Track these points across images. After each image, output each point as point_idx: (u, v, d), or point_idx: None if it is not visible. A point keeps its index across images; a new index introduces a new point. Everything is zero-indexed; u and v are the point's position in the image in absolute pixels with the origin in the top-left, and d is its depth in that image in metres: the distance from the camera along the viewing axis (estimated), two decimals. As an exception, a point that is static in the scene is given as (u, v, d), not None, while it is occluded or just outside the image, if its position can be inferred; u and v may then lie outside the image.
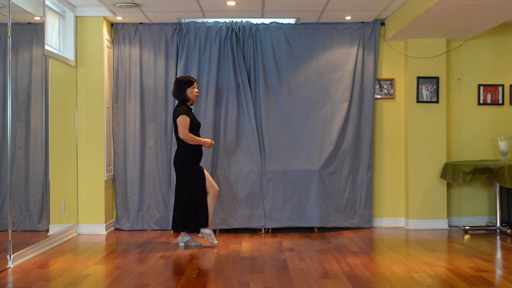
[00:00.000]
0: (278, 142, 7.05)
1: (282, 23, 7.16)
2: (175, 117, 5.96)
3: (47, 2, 6.04)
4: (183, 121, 5.89)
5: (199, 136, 6.09)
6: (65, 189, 6.59)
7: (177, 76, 6.87)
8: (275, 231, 7.01)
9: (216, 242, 6.07)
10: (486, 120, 7.34)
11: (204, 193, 6.03)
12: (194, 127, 6.01)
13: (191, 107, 6.18)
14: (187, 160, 6.00)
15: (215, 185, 6.18)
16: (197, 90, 6.17)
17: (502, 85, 7.33)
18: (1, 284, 4.57)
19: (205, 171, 6.11)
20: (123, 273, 4.89)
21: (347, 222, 7.08)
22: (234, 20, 7.08)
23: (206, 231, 6.04)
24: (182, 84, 6.05)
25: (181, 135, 5.89)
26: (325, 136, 7.06)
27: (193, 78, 6.14)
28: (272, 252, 5.76)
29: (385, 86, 7.29)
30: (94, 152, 6.82)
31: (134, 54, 7.16)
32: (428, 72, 7.11)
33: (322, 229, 7.01)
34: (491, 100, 7.34)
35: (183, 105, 6.02)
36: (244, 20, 7.11)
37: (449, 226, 7.17)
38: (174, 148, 6.82)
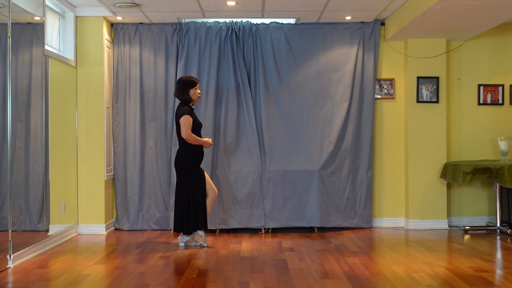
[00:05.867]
0: (278, 142, 7.05)
1: (282, 23, 7.16)
2: (177, 116, 5.96)
3: (47, 2, 6.05)
4: (186, 121, 5.89)
5: (201, 137, 6.09)
6: (65, 189, 6.59)
7: (179, 76, 6.87)
8: (275, 231, 7.01)
9: (206, 244, 6.06)
10: (486, 120, 7.35)
11: (203, 195, 6.03)
12: (196, 128, 6.02)
13: (193, 107, 6.18)
14: (188, 161, 6.00)
15: (215, 188, 6.18)
16: (199, 91, 6.17)
17: (502, 85, 7.33)
18: (1, 284, 4.57)
19: (205, 173, 6.12)
20: (123, 273, 4.89)
21: (347, 222, 7.08)
22: (234, 20, 7.08)
23: (198, 232, 6.04)
24: (185, 85, 6.05)
25: (183, 135, 5.89)
26: (325, 136, 7.06)
27: (196, 79, 6.14)
28: (272, 252, 5.76)
29: (385, 86, 7.30)
30: (94, 152, 6.82)
31: (134, 54, 7.16)
32: (428, 72, 7.11)
33: (322, 229, 7.01)
34: (491, 100, 7.34)
35: (186, 105, 6.02)
36: (244, 20, 7.11)
37: (449, 226, 7.17)
38: (174, 148, 6.84)
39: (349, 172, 7.09)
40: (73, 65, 6.75)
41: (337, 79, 7.13)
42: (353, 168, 7.11)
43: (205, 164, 6.42)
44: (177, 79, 6.29)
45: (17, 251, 5.25)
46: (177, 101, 6.76)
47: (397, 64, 7.30)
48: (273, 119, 7.08)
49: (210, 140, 6.12)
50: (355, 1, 6.27)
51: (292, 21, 7.15)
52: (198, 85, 6.12)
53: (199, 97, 6.22)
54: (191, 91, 6.05)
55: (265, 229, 6.97)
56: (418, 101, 7.11)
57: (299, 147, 7.06)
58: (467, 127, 7.35)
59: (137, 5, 6.34)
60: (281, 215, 6.96)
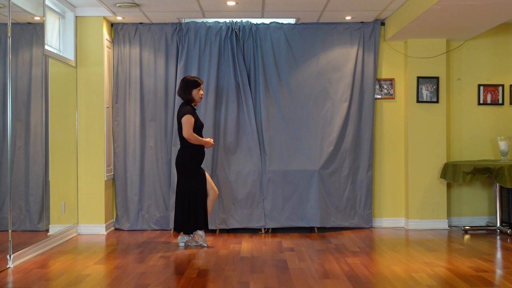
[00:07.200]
0: (278, 142, 7.05)
1: (282, 23, 7.16)
2: (179, 116, 5.96)
3: (47, 2, 6.05)
4: (188, 120, 5.89)
5: (202, 137, 6.09)
6: (65, 189, 6.59)
7: (179, 76, 6.90)
8: (275, 231, 7.01)
9: (206, 244, 6.06)
10: (486, 120, 7.35)
11: (204, 195, 6.03)
12: (198, 128, 6.02)
13: (195, 107, 6.18)
14: (189, 161, 6.00)
15: (215, 188, 6.19)
16: (202, 92, 6.17)
17: (502, 85, 7.33)
18: (1, 284, 4.57)
19: (206, 173, 6.12)
20: (123, 273, 4.89)
21: (347, 222, 7.08)
22: (234, 20, 7.08)
23: (198, 232, 6.04)
24: (189, 85, 6.05)
25: (185, 134, 5.89)
26: (325, 136, 7.06)
27: (200, 80, 6.13)
28: (272, 252, 5.76)
29: (385, 86, 7.30)
30: (94, 152, 6.82)
31: (134, 54, 7.16)
32: (428, 72, 7.11)
33: (322, 229, 7.01)
34: (491, 100, 7.34)
35: (188, 105, 6.03)
36: (244, 20, 7.11)
37: (449, 226, 7.17)
38: (174, 148, 6.84)
39: (349, 172, 7.09)
40: (73, 65, 6.75)
41: (337, 79, 7.13)
42: (353, 168, 7.11)
43: (205, 164, 6.41)
44: (182, 78, 6.27)
45: (17, 251, 5.25)
46: (178, 101, 6.78)
47: (397, 64, 7.30)
48: (273, 119, 7.08)
49: (212, 140, 6.13)
50: (355, 1, 6.27)
51: (292, 21, 7.15)
52: (201, 86, 6.12)
53: (202, 98, 6.22)
54: (194, 92, 6.05)
55: (265, 229, 6.97)
56: (418, 101, 7.11)
57: (299, 147, 7.06)
58: (467, 127, 7.35)
59: (137, 5, 6.34)
60: (281, 215, 6.96)
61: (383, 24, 7.21)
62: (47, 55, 5.97)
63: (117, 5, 6.33)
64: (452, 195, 7.35)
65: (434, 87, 7.10)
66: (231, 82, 7.04)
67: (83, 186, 6.83)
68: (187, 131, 5.89)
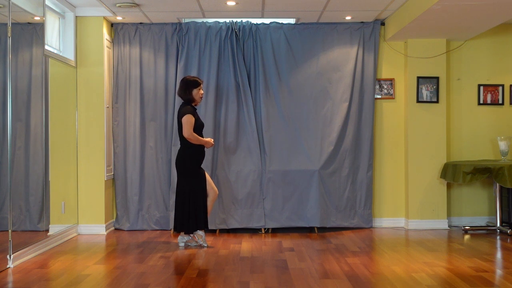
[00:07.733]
0: (278, 142, 7.05)
1: (282, 23, 7.16)
2: (180, 116, 5.97)
3: (47, 2, 6.05)
4: (188, 120, 5.89)
5: (202, 137, 6.09)
6: (65, 189, 6.59)
7: (179, 76, 6.90)
8: (275, 231, 7.01)
9: (206, 244, 6.06)
10: (486, 120, 7.35)
11: (204, 195, 6.03)
12: (198, 128, 6.03)
13: (195, 107, 6.17)
14: (189, 161, 6.00)
15: (215, 188, 6.19)
16: (202, 91, 6.17)
17: (502, 85, 7.33)
18: (1, 284, 4.57)
19: (206, 173, 6.12)
20: (123, 273, 4.89)
21: (347, 222, 7.08)
22: (234, 20, 7.08)
23: (198, 232, 6.04)
24: (189, 85, 6.05)
25: (185, 134, 5.89)
26: (325, 136, 7.06)
27: (200, 80, 6.13)
28: (272, 252, 5.76)
29: (385, 86, 7.30)
30: (94, 152, 6.82)
31: (134, 54, 7.16)
32: (428, 72, 7.11)
33: (322, 229, 7.01)
34: (491, 100, 7.34)
35: (188, 105, 6.03)
36: (244, 20, 7.11)
37: (449, 226, 7.17)
38: (174, 147, 6.84)
39: (349, 172, 7.09)
40: (73, 65, 6.75)
41: (337, 79, 7.13)
42: (353, 168, 7.11)
43: (205, 164, 6.41)
44: (182, 78, 6.28)
45: (17, 251, 5.25)
46: (178, 101, 6.78)
47: (397, 64, 7.30)
48: (273, 119, 7.08)
49: (212, 140, 6.13)
50: (355, 1, 6.27)
51: (292, 21, 7.15)
52: (201, 85, 6.12)
53: (202, 97, 6.23)
54: (194, 91, 6.05)
55: (265, 229, 6.97)
56: (418, 101, 7.11)
57: (299, 147, 7.06)
58: (467, 127, 7.35)
59: (137, 5, 6.34)
60: (281, 215, 6.96)
61: (383, 24, 7.21)
62: (47, 55, 5.97)
63: (117, 5, 6.33)
64: (452, 195, 7.35)
65: (434, 87, 7.10)
66: (231, 82, 7.04)
67: (83, 186, 6.83)
68: (187, 131, 5.89)
